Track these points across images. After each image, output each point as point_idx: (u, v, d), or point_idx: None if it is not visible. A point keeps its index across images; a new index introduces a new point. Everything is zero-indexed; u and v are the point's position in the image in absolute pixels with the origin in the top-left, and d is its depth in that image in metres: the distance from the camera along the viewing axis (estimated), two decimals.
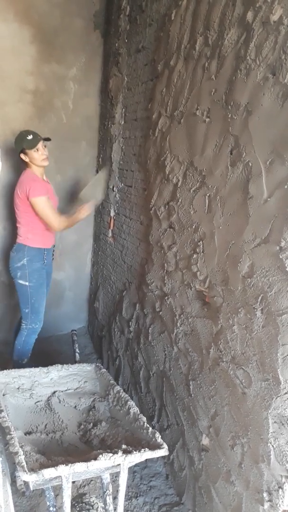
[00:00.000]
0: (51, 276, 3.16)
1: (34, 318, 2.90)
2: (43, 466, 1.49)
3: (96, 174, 2.73)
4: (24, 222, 2.80)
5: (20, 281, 2.82)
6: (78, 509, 1.66)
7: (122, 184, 2.92)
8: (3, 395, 2.07)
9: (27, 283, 2.80)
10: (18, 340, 2.94)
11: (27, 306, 2.86)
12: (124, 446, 1.64)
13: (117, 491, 1.62)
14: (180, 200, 1.99)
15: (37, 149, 2.69)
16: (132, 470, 2.27)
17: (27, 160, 2.72)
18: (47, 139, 2.75)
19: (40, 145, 2.69)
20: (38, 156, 2.70)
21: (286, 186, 1.30)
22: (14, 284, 2.90)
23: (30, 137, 2.66)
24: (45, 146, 2.75)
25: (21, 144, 2.68)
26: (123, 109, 2.88)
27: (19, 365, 2.88)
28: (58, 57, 3.20)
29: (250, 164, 1.46)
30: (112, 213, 3.17)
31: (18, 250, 2.83)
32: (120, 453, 1.54)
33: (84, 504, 1.68)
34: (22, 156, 2.71)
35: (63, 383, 2.28)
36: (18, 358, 2.94)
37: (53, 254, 3.09)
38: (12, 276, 2.89)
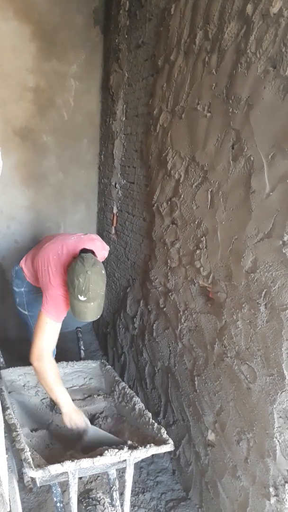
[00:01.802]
0: None
1: None
2: (49, 462, 1.50)
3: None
4: (32, 270, 2.22)
5: (19, 308, 2.46)
6: (85, 504, 1.67)
7: (124, 181, 2.91)
8: (9, 392, 2.08)
9: (26, 313, 2.44)
10: None
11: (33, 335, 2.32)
12: (130, 442, 1.64)
13: (124, 486, 1.63)
14: (182, 196, 1.99)
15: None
16: (139, 466, 2.28)
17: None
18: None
19: None
20: None
21: None
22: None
23: (83, 298, 1.80)
24: None
25: (69, 287, 1.85)
26: (124, 105, 2.87)
27: None
28: (58, 54, 3.19)
29: (252, 159, 1.45)
30: (114, 210, 3.16)
31: (18, 275, 2.38)
32: (126, 448, 1.54)
33: (91, 499, 1.68)
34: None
35: (69, 380, 2.29)
36: None
37: None
38: (12, 297, 2.49)
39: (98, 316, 1.90)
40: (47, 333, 1.93)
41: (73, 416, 1.86)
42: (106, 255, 2.24)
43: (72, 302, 1.84)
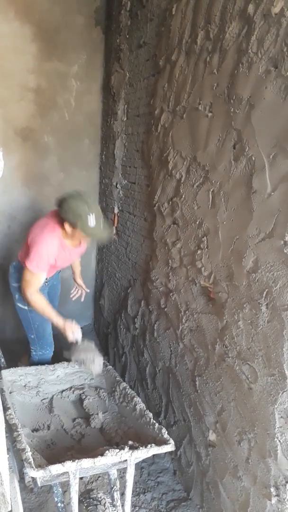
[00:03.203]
0: (59, 287, 2.90)
1: (43, 343, 2.60)
2: (50, 462, 1.50)
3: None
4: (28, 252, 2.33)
5: (19, 304, 2.48)
6: (85, 504, 1.67)
7: (126, 181, 2.91)
8: (10, 392, 2.09)
9: (26, 307, 2.45)
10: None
11: (32, 331, 2.55)
12: (130, 442, 1.64)
13: (125, 487, 1.63)
14: (183, 196, 1.99)
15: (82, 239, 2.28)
16: (140, 466, 2.28)
17: (67, 230, 2.18)
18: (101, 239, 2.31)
19: None
20: (82, 241, 2.32)
21: None
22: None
23: (92, 223, 2.07)
24: None
25: (75, 220, 2.09)
26: (125, 105, 2.87)
27: None
28: (59, 54, 3.19)
29: (253, 158, 1.45)
30: (115, 210, 3.16)
31: (17, 269, 2.46)
32: (126, 449, 1.54)
33: (91, 500, 1.68)
34: (66, 226, 2.15)
35: (70, 380, 2.29)
36: None
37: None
38: (12, 294, 2.56)
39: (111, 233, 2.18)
40: (36, 281, 2.24)
41: (71, 327, 2.24)
42: None
43: (87, 231, 2.12)
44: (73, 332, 2.25)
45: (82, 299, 2.95)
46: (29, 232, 2.29)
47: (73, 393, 2.23)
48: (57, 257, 2.28)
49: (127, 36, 2.75)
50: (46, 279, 2.47)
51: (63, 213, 2.12)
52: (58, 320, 2.26)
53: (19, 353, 3.17)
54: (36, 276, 2.22)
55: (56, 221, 2.22)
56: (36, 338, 2.58)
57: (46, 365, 2.30)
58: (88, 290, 2.96)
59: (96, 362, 2.18)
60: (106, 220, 2.02)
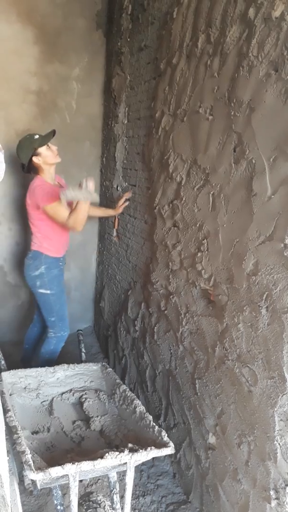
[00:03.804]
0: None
1: (62, 326, 2.80)
2: (50, 464, 1.50)
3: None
4: (38, 230, 2.66)
5: (41, 290, 2.70)
6: (85, 507, 1.67)
7: (126, 183, 2.92)
8: (10, 395, 2.08)
9: (48, 292, 2.69)
10: (46, 349, 2.83)
11: (52, 314, 2.76)
12: (130, 445, 1.64)
13: (124, 489, 1.63)
14: (184, 199, 1.99)
15: (49, 146, 2.58)
16: (139, 469, 2.27)
17: (40, 162, 2.56)
18: (53, 133, 2.62)
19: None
20: (52, 152, 2.58)
21: None
22: (33, 293, 2.79)
23: (37, 136, 2.56)
24: None
25: (31, 147, 2.52)
26: (126, 108, 2.87)
27: None
28: (61, 57, 3.20)
29: (254, 161, 1.46)
30: None
31: (34, 257, 2.69)
32: (126, 451, 1.54)
33: (91, 502, 1.68)
34: (35, 159, 2.55)
35: (70, 383, 2.29)
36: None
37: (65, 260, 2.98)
38: (30, 285, 2.77)
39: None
40: (61, 211, 2.48)
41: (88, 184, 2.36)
42: None
43: (40, 142, 2.57)
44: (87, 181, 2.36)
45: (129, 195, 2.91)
46: (27, 207, 2.61)
47: (73, 395, 2.23)
48: (55, 191, 2.50)
49: (128, 39, 2.77)
50: (60, 259, 2.76)
51: (23, 159, 2.57)
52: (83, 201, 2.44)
53: (19, 355, 3.17)
54: (54, 206, 2.45)
55: (32, 177, 2.62)
56: (57, 320, 2.77)
57: (46, 367, 2.30)
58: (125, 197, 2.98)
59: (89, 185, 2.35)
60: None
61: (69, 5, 3.14)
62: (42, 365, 2.70)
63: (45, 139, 2.56)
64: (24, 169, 2.67)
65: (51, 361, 2.84)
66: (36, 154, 2.55)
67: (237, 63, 1.52)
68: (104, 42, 3.34)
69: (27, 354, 3.12)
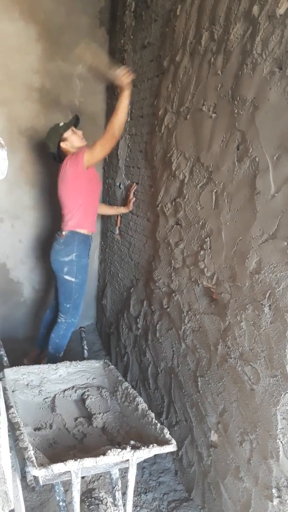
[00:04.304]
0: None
1: (74, 313, 2.87)
2: (52, 461, 1.51)
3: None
4: (74, 204, 2.68)
5: (66, 277, 2.73)
6: (87, 504, 1.67)
7: (129, 181, 2.91)
8: (13, 391, 2.09)
9: (73, 279, 2.74)
10: (56, 334, 2.90)
11: (69, 301, 2.81)
12: (132, 442, 1.64)
13: (126, 486, 1.63)
14: (186, 197, 1.99)
15: (74, 131, 2.69)
16: (141, 466, 2.28)
17: (68, 147, 2.68)
18: (76, 117, 2.77)
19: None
20: (78, 136, 2.69)
21: None
22: (56, 277, 2.82)
23: (61, 124, 2.68)
24: None
25: (57, 134, 2.65)
26: (129, 106, 2.87)
27: (55, 358, 2.87)
28: (63, 54, 3.20)
29: (257, 159, 1.45)
30: None
31: (67, 243, 2.71)
32: (128, 448, 1.54)
33: (93, 499, 1.69)
34: (63, 145, 2.67)
35: (72, 380, 2.29)
36: (55, 351, 2.91)
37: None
38: (55, 269, 2.79)
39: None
40: (99, 148, 2.55)
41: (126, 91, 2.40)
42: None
43: (66, 127, 2.70)
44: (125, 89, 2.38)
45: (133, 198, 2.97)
46: (64, 185, 2.67)
47: (75, 392, 2.23)
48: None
49: (131, 37, 2.76)
50: (90, 240, 2.82)
51: (52, 147, 2.70)
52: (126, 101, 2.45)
53: (21, 352, 3.18)
54: (92, 151, 2.55)
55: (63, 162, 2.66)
56: (72, 308, 2.82)
57: (48, 364, 2.31)
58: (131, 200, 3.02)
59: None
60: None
61: (72, 2, 3.13)
62: (53, 349, 2.89)
63: (68, 124, 2.69)
64: (56, 158, 2.76)
65: (61, 346, 2.91)
66: (63, 140, 2.67)
67: (241, 61, 1.51)
68: (107, 39, 3.33)
69: (41, 339, 3.17)
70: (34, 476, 1.64)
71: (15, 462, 1.72)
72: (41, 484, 1.57)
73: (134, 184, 2.82)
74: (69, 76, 3.27)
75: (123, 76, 2.32)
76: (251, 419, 1.57)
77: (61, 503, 1.69)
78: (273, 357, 1.42)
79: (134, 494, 1.98)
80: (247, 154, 1.51)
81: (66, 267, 2.72)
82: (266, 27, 1.37)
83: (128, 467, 1.59)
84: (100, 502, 1.65)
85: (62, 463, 1.42)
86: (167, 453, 2.25)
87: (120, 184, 3.11)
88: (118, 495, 1.77)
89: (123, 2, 2.91)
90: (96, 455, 1.50)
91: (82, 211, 2.71)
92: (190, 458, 2.10)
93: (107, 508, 1.63)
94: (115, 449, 1.53)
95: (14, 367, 2.21)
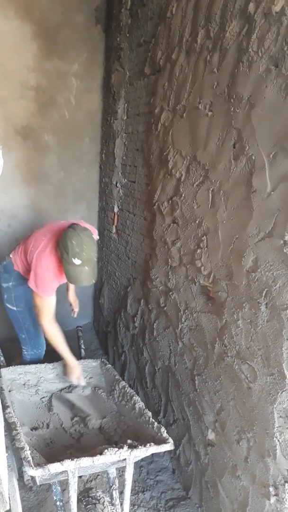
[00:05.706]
0: None
1: (34, 343, 2.57)
2: (49, 461, 1.50)
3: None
4: (26, 263, 2.29)
5: (7, 305, 2.46)
6: (84, 503, 1.67)
7: (126, 180, 2.91)
8: (9, 391, 2.09)
9: (14, 308, 2.44)
10: (23, 363, 2.53)
11: (22, 331, 2.52)
12: (129, 441, 1.64)
13: (124, 485, 1.63)
14: (183, 195, 1.98)
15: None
16: (139, 465, 2.28)
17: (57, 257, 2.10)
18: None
19: None
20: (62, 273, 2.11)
21: None
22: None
23: (76, 263, 1.94)
24: None
25: (62, 253, 1.98)
26: (126, 104, 2.86)
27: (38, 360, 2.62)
28: (59, 53, 3.18)
29: (253, 158, 1.45)
30: (115, 209, 3.16)
31: (6, 269, 2.41)
32: (125, 447, 1.54)
33: (90, 498, 1.69)
34: (58, 252, 2.07)
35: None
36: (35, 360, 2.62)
37: None
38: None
39: (93, 281, 2.07)
40: (47, 307, 2.18)
41: (78, 373, 2.24)
42: (96, 237, 2.32)
43: (67, 268, 1.97)
44: (78, 378, 2.26)
45: (75, 315, 2.94)
46: (28, 243, 2.23)
47: (72, 391, 2.23)
48: (60, 280, 2.17)
49: (127, 35, 2.75)
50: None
51: (60, 240, 2.02)
52: (69, 358, 2.24)
53: (18, 352, 3.16)
54: (46, 300, 2.15)
55: (55, 245, 2.09)
56: (28, 338, 2.55)
57: (45, 363, 2.30)
58: (77, 309, 2.96)
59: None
60: (94, 269, 2.01)
61: (67, 0, 3.12)
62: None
63: (71, 276, 2.04)
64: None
65: (37, 358, 2.66)
66: (59, 256, 2.10)
67: (237, 59, 1.51)
68: (103, 37, 3.31)
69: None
70: (31, 476, 1.64)
71: (12, 462, 1.72)
72: (38, 483, 1.56)
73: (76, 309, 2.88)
74: (65, 74, 3.25)
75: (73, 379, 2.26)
76: (248, 418, 1.57)
77: (58, 503, 1.69)
78: (269, 355, 1.42)
79: (131, 493, 1.98)
80: (243, 152, 1.51)
81: (5, 294, 2.44)
82: (262, 25, 1.37)
83: (125, 466, 1.59)
84: (98, 502, 1.65)
85: (58, 463, 1.42)
86: (165, 451, 2.25)
87: (116, 183, 3.10)
88: (116, 494, 1.77)
89: (119, 0, 2.90)
90: (93, 454, 1.50)
91: (27, 271, 2.30)
92: (187, 457, 2.10)
93: (105, 507, 1.63)
94: (112, 448, 1.53)
95: (10, 367, 2.21)
